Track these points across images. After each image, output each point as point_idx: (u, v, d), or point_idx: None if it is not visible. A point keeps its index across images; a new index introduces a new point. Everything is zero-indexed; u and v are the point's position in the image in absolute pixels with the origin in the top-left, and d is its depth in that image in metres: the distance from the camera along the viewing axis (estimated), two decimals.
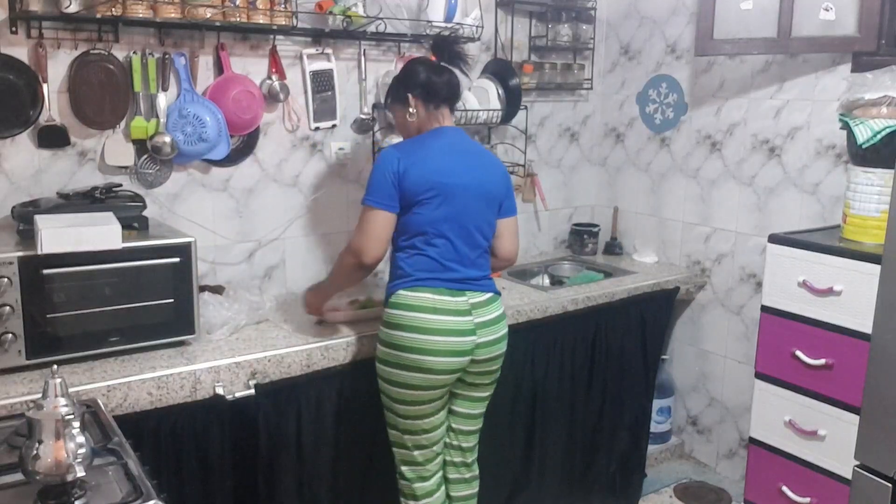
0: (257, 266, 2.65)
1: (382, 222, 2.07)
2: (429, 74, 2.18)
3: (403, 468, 2.23)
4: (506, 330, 2.23)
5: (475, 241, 2.15)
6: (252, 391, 2.05)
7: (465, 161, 2.15)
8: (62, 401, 1.31)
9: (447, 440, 2.28)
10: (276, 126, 2.62)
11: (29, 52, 2.15)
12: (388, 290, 2.14)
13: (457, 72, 2.24)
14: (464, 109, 2.83)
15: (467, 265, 2.13)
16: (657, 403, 3.23)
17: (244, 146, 2.56)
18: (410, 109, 2.17)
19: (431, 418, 2.17)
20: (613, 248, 3.47)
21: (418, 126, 2.19)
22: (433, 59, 2.25)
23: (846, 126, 2.36)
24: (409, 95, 2.17)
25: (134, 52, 2.29)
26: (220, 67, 2.45)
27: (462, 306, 2.10)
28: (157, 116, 2.34)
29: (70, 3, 2.05)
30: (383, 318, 2.13)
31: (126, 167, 2.35)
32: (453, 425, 2.27)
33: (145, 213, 2.18)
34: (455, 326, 2.08)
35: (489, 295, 2.18)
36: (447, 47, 2.24)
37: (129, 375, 1.89)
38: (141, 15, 2.17)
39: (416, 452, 2.20)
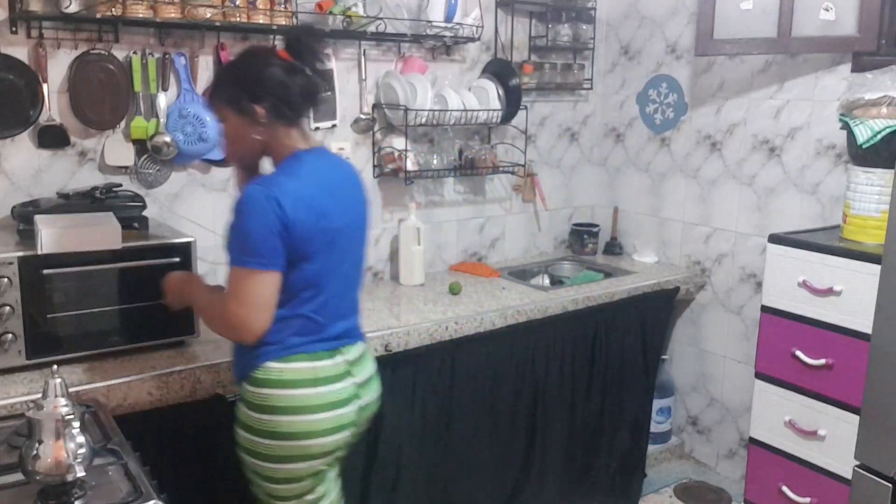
0: None
1: (271, 287, 1.65)
2: (287, 77, 1.70)
3: None
4: (378, 379, 1.89)
5: (353, 287, 1.83)
6: None
7: (340, 194, 1.76)
8: (62, 401, 1.32)
9: None
10: None
11: (29, 52, 2.15)
12: (248, 362, 1.71)
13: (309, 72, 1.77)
14: (464, 109, 2.83)
15: (345, 316, 1.79)
16: (657, 403, 3.23)
17: None
18: (259, 125, 1.70)
19: (310, 496, 1.82)
20: (613, 248, 3.47)
21: (263, 146, 1.74)
22: (283, 55, 1.74)
23: (846, 126, 2.36)
24: (257, 106, 1.68)
25: (134, 52, 2.29)
26: (220, 67, 2.45)
27: (339, 369, 1.74)
28: (157, 116, 2.34)
29: (70, 3, 2.05)
30: (245, 398, 1.72)
31: (126, 167, 2.35)
32: None
33: (145, 213, 2.18)
34: (334, 397, 1.71)
35: (361, 344, 1.84)
36: (308, 44, 1.77)
37: (129, 375, 1.89)
38: (141, 15, 2.17)
39: None
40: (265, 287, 1.64)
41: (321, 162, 1.77)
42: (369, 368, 1.85)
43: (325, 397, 1.70)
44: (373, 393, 1.85)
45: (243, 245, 1.63)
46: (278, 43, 1.67)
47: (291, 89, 1.70)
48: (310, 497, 1.80)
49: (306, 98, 1.76)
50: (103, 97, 2.23)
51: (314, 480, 1.79)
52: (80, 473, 1.30)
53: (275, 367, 1.69)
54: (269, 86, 1.69)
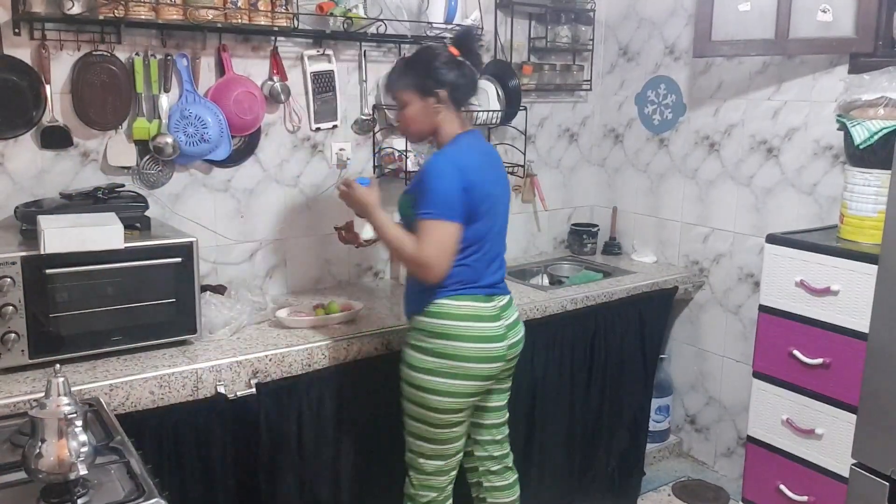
0: (258, 266, 2.67)
1: (454, 236, 1.98)
2: (462, 70, 2.06)
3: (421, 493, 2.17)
4: (522, 325, 2.25)
5: (502, 247, 2.17)
6: (253, 390, 2.06)
7: (495, 168, 2.14)
8: (65, 400, 1.32)
9: (483, 452, 2.29)
10: (278, 127, 2.64)
11: (32, 53, 2.16)
12: (425, 298, 2.06)
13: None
14: (463, 110, 2.84)
15: (495, 270, 2.13)
16: (656, 402, 3.25)
17: (245, 147, 2.57)
18: (437, 106, 2.04)
19: (459, 428, 2.13)
20: (612, 248, 3.49)
21: (434, 125, 2.08)
22: (453, 52, 2.08)
23: (843, 127, 2.37)
24: (440, 91, 2.04)
25: (136, 54, 2.30)
26: (221, 69, 2.46)
27: (492, 311, 2.09)
28: (160, 117, 2.35)
29: (73, 5, 2.06)
30: (419, 327, 2.06)
31: (128, 168, 2.36)
32: (485, 422, 2.26)
33: (147, 213, 2.19)
34: (491, 332, 2.07)
35: (509, 297, 2.19)
36: (470, 44, 2.12)
37: (132, 374, 1.90)
38: (143, 16, 2.19)
39: (437, 476, 2.16)
40: (450, 235, 1.98)
41: (478, 143, 2.13)
42: (515, 315, 2.18)
43: (481, 331, 2.05)
44: (518, 335, 2.17)
45: (434, 201, 1.96)
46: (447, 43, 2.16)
47: (460, 80, 2.06)
48: (451, 431, 2.11)
49: (470, 89, 2.12)
50: (106, 98, 2.24)
51: (462, 416, 2.11)
52: (83, 472, 1.31)
53: (447, 303, 2.04)
54: (448, 75, 2.04)
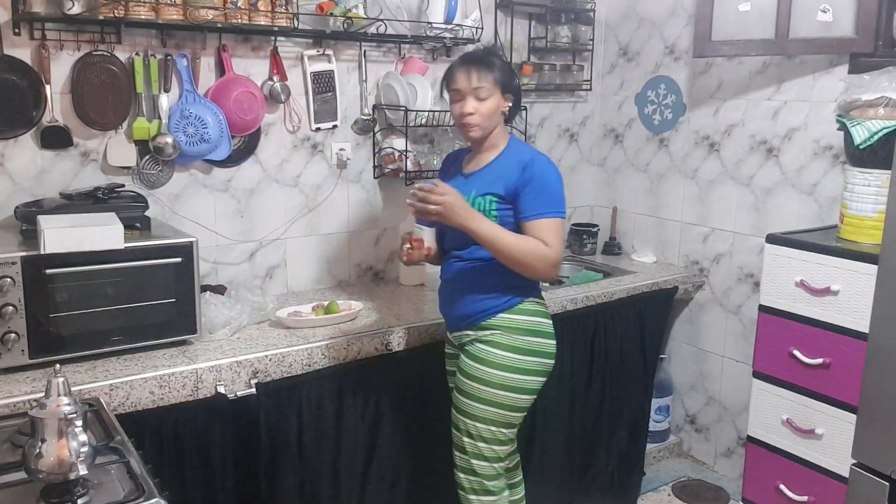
0: (258, 266, 2.67)
1: None
2: None
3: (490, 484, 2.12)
4: None
5: None
6: (253, 390, 2.06)
7: None
8: (65, 400, 1.32)
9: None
10: (278, 127, 2.64)
11: (32, 53, 2.16)
12: (512, 295, 2.05)
13: None
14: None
15: None
16: (656, 402, 3.25)
17: (245, 147, 2.57)
18: (507, 107, 2.12)
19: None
20: (612, 247, 3.49)
21: (495, 126, 2.10)
22: None
23: (843, 127, 2.37)
24: (514, 94, 2.12)
25: (136, 54, 2.30)
26: (221, 68, 2.47)
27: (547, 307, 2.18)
28: (160, 117, 2.35)
29: (73, 5, 2.06)
30: (508, 325, 2.04)
31: (128, 168, 2.36)
32: None
33: (147, 213, 2.19)
34: (553, 329, 2.15)
35: None
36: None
37: (132, 374, 1.90)
38: (143, 17, 2.19)
39: (502, 479, 2.16)
40: (564, 232, 2.09)
41: None
42: None
43: (552, 328, 2.13)
44: None
45: (557, 200, 2.00)
46: None
47: None
48: (510, 448, 2.15)
49: None
50: (106, 98, 2.24)
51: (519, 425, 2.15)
52: (83, 472, 1.31)
53: (538, 301, 2.12)
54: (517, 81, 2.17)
